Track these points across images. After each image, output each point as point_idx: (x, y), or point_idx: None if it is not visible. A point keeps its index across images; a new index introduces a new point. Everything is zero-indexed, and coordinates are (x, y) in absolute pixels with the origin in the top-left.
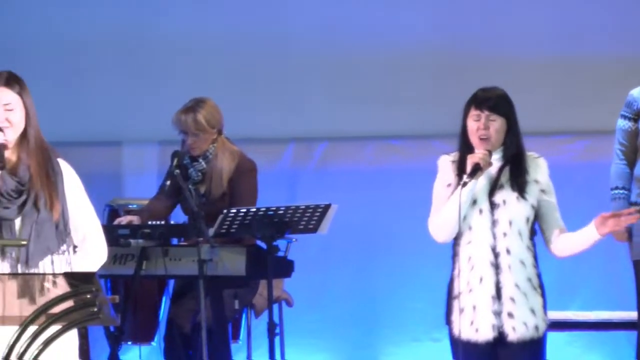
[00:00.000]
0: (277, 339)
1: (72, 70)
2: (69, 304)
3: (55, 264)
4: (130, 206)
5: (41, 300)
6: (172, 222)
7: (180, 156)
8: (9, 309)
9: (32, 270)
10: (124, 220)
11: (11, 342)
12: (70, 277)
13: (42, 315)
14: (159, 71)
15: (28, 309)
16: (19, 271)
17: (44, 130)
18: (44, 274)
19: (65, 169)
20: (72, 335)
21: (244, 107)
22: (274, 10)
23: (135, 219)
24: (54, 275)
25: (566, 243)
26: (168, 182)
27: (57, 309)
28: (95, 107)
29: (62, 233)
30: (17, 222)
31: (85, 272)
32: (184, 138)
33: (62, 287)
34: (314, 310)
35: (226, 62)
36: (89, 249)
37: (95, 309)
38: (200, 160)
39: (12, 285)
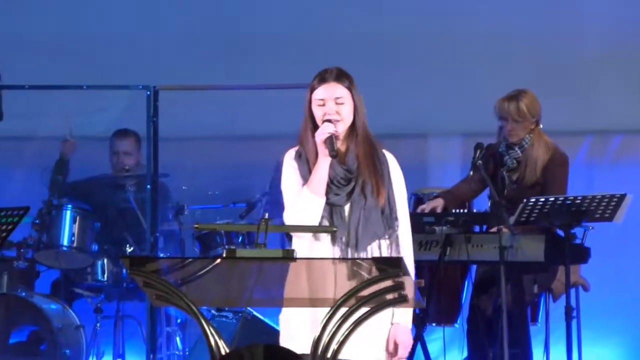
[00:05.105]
0: (573, 322)
1: (377, 65)
2: (379, 286)
3: (382, 248)
4: (434, 195)
5: None
6: (474, 210)
7: (482, 148)
8: (340, 292)
9: (361, 255)
10: (427, 207)
11: (323, 322)
12: (379, 261)
13: (353, 298)
14: (463, 65)
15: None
16: (349, 255)
17: None
18: (371, 259)
19: (390, 159)
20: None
21: (542, 100)
22: (566, 7)
23: (438, 204)
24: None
25: None
26: (471, 173)
27: (367, 292)
28: (402, 100)
29: (387, 218)
30: (346, 208)
31: (394, 257)
32: (502, 125)
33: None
34: (609, 294)
35: (525, 57)
36: (401, 236)
37: (403, 292)
38: (516, 148)
39: (343, 269)
